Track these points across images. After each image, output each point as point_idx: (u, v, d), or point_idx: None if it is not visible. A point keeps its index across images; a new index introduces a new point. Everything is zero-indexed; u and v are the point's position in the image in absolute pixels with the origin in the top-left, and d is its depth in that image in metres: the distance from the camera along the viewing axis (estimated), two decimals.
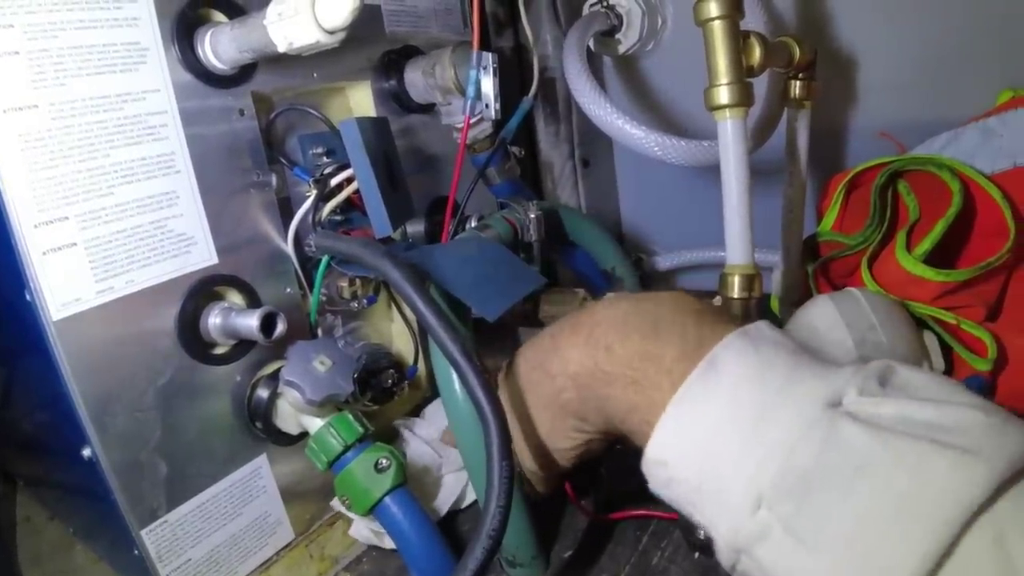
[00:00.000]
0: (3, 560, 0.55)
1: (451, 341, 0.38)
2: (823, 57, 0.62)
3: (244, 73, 0.47)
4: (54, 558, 0.55)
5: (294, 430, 0.48)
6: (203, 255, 0.44)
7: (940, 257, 0.57)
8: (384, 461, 0.45)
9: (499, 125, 0.60)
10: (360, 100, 0.59)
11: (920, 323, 0.57)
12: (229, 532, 0.47)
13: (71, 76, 0.38)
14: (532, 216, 0.56)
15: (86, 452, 0.40)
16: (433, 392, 0.62)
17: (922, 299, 0.57)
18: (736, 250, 0.49)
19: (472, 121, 0.57)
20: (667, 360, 0.35)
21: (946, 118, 0.64)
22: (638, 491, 0.50)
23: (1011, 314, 0.58)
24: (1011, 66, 0.64)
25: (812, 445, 0.29)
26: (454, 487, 0.54)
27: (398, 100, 0.60)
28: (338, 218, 0.54)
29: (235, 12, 0.46)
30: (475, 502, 0.53)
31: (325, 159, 0.54)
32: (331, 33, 0.40)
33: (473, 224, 0.58)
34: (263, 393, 0.47)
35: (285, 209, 0.51)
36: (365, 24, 0.55)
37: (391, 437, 0.59)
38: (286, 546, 0.50)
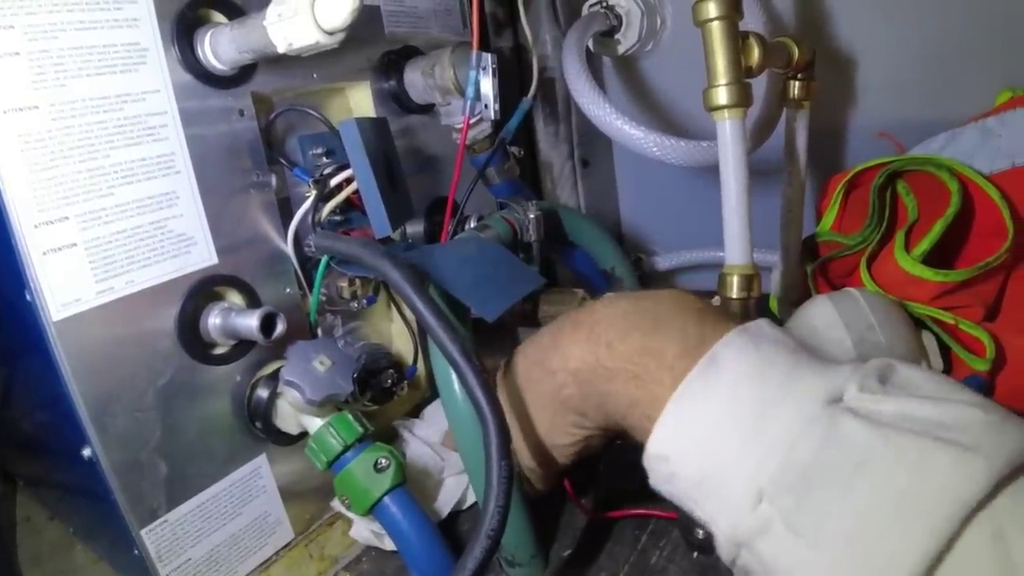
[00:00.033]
0: (3, 560, 0.55)
1: (450, 341, 0.39)
2: (822, 57, 0.62)
3: (244, 74, 0.47)
4: (54, 558, 0.55)
5: (294, 430, 0.48)
6: (203, 255, 0.45)
7: (938, 257, 0.57)
8: (383, 461, 0.45)
9: (498, 125, 0.60)
10: (360, 100, 0.59)
11: (918, 323, 0.57)
12: (229, 532, 0.47)
13: (71, 77, 0.38)
14: (531, 216, 0.56)
15: (86, 452, 0.40)
16: (432, 392, 0.62)
17: (920, 299, 0.57)
18: (735, 250, 0.50)
19: (471, 121, 0.57)
20: (668, 356, 0.35)
21: (945, 118, 0.64)
22: (637, 490, 0.51)
23: (1009, 314, 0.58)
24: (1011, 66, 0.64)
25: (813, 441, 0.29)
26: (455, 489, 0.54)
27: (398, 100, 0.60)
28: (338, 218, 0.54)
29: (235, 13, 0.46)
30: (476, 503, 0.53)
31: (325, 159, 0.54)
32: (330, 34, 0.40)
33: (472, 224, 0.59)
34: (263, 393, 0.47)
35: (285, 209, 0.51)
36: (364, 25, 0.55)
37: (391, 438, 0.59)
38: (286, 546, 0.50)
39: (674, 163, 0.62)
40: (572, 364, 0.39)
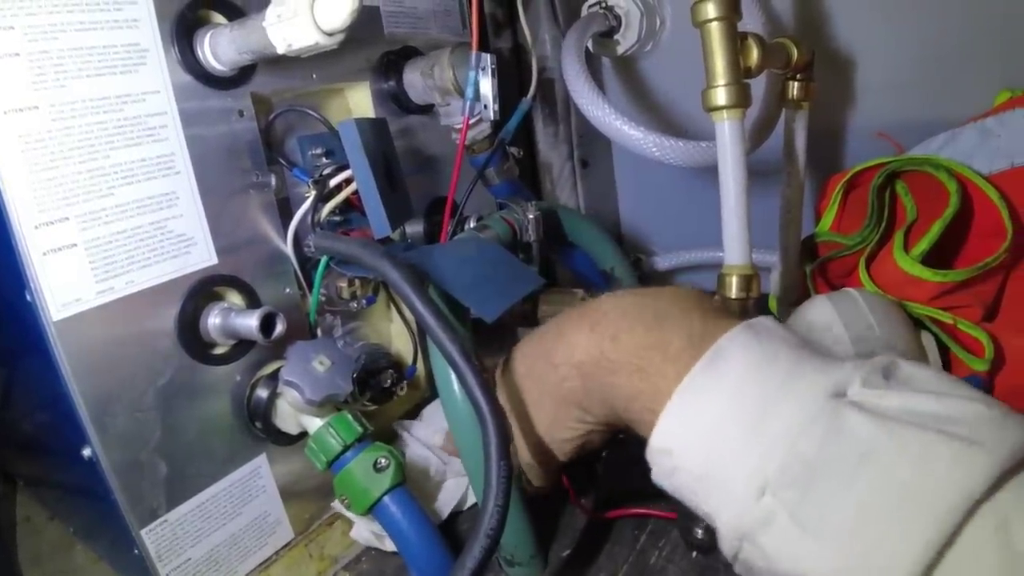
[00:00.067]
0: (3, 560, 0.55)
1: (450, 341, 0.39)
2: (821, 58, 0.62)
3: (243, 74, 0.47)
4: (54, 558, 0.55)
5: (293, 430, 0.48)
6: (203, 256, 0.45)
7: (937, 257, 0.57)
8: (383, 460, 0.45)
9: (498, 126, 0.60)
10: (359, 101, 0.59)
11: (917, 323, 0.57)
12: (229, 532, 0.47)
13: (71, 78, 0.38)
14: (531, 216, 0.56)
15: (86, 452, 0.40)
16: (432, 392, 0.62)
17: (919, 299, 0.57)
18: (734, 251, 0.50)
19: (471, 122, 0.57)
20: (673, 350, 0.35)
21: (944, 118, 0.64)
22: (636, 489, 0.51)
23: (1008, 314, 0.58)
24: (1010, 66, 0.64)
25: (817, 434, 0.29)
26: (455, 491, 0.54)
27: (397, 101, 0.60)
28: (337, 219, 0.54)
29: (234, 14, 0.46)
30: (476, 504, 0.53)
31: (324, 160, 0.54)
32: (330, 35, 0.40)
33: (472, 224, 0.59)
34: (263, 393, 0.47)
35: (284, 210, 0.51)
36: (364, 25, 0.55)
37: (390, 438, 0.59)
38: (285, 546, 0.51)
39: (673, 164, 0.62)
40: (576, 357, 0.39)
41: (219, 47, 0.44)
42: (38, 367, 0.40)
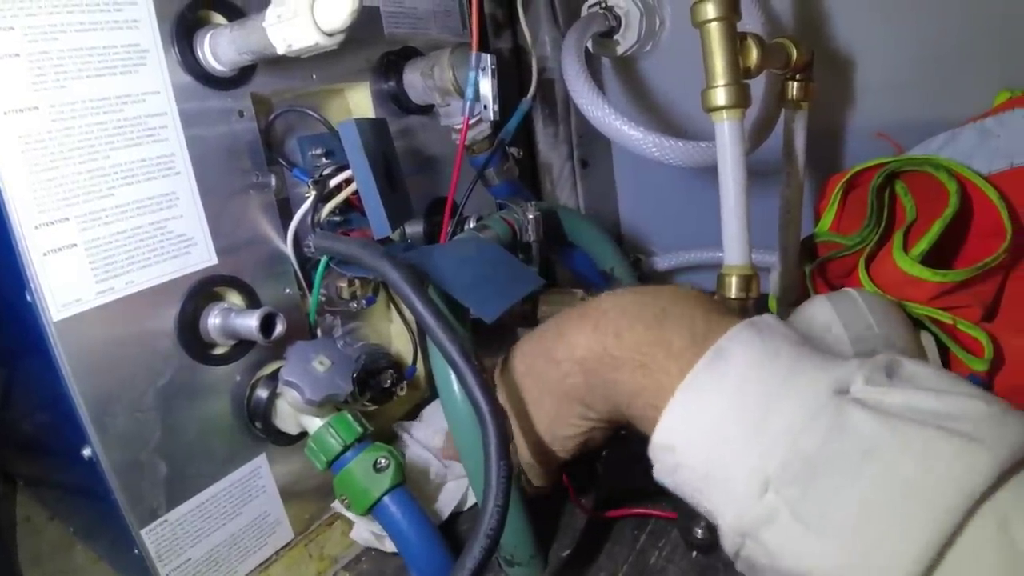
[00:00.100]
0: (3, 560, 0.55)
1: (449, 342, 0.39)
2: (820, 58, 0.62)
3: (243, 75, 0.47)
4: (54, 558, 0.55)
5: (293, 430, 0.48)
6: (203, 256, 0.45)
7: (937, 257, 0.57)
8: (383, 460, 0.45)
9: (498, 126, 0.60)
10: (359, 101, 0.59)
11: (917, 323, 0.57)
12: (229, 532, 0.47)
13: (71, 78, 0.38)
14: (531, 217, 0.56)
15: (86, 452, 0.40)
16: (432, 392, 0.62)
17: (919, 299, 0.57)
18: (733, 251, 0.50)
19: (471, 122, 0.57)
20: (676, 346, 0.35)
21: (943, 119, 0.64)
22: (636, 489, 0.51)
23: (1008, 314, 0.58)
24: (1009, 66, 0.64)
25: (819, 431, 0.29)
26: (455, 492, 0.54)
27: (397, 101, 0.60)
28: (337, 219, 0.54)
29: (234, 14, 0.46)
30: (476, 504, 0.53)
31: (324, 160, 0.54)
32: (330, 35, 0.40)
33: (472, 225, 0.59)
34: (262, 393, 0.47)
35: (284, 210, 0.51)
36: (364, 26, 0.55)
37: (390, 439, 0.59)
38: (285, 546, 0.51)
39: (673, 164, 0.62)
40: (578, 353, 0.39)
41: (219, 47, 0.44)
42: (38, 367, 0.40)
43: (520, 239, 0.56)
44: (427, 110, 0.62)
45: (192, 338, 0.44)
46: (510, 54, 0.81)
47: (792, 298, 0.67)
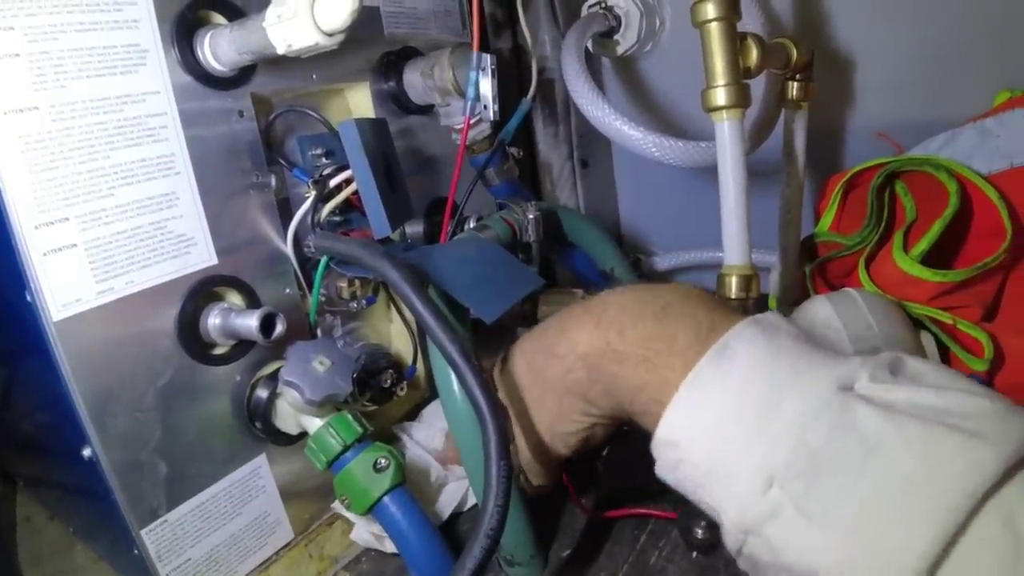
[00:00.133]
0: (3, 560, 0.55)
1: (449, 342, 0.39)
2: (820, 58, 0.62)
3: (243, 75, 0.47)
4: (54, 558, 0.55)
5: (293, 430, 0.48)
6: (203, 256, 0.45)
7: (937, 257, 0.58)
8: (383, 461, 0.45)
9: (498, 126, 0.60)
10: (359, 101, 0.59)
11: (917, 323, 0.57)
12: (229, 532, 0.47)
13: (71, 78, 0.38)
14: (531, 217, 0.56)
15: (86, 452, 0.40)
16: (432, 392, 0.62)
17: (919, 299, 0.57)
18: (733, 251, 0.50)
19: (471, 122, 0.57)
20: (679, 342, 0.35)
21: (943, 119, 0.64)
22: (636, 489, 0.51)
23: (1008, 314, 0.58)
24: (1009, 66, 0.64)
25: (824, 427, 0.29)
26: (455, 492, 0.54)
27: (397, 101, 0.60)
28: (337, 219, 0.54)
29: (234, 14, 0.46)
30: (476, 505, 0.53)
31: (324, 160, 0.54)
32: (330, 35, 0.40)
33: (472, 225, 0.59)
34: (262, 393, 0.47)
35: (284, 210, 0.51)
36: (364, 26, 0.55)
37: (390, 440, 0.59)
38: (285, 546, 0.51)
39: (673, 164, 0.62)
40: (581, 348, 0.39)
41: (219, 48, 0.44)
42: (38, 367, 0.40)
43: (520, 239, 0.56)
44: (427, 110, 0.62)
45: (192, 338, 0.44)
46: (510, 54, 0.81)
47: (792, 298, 0.67)
